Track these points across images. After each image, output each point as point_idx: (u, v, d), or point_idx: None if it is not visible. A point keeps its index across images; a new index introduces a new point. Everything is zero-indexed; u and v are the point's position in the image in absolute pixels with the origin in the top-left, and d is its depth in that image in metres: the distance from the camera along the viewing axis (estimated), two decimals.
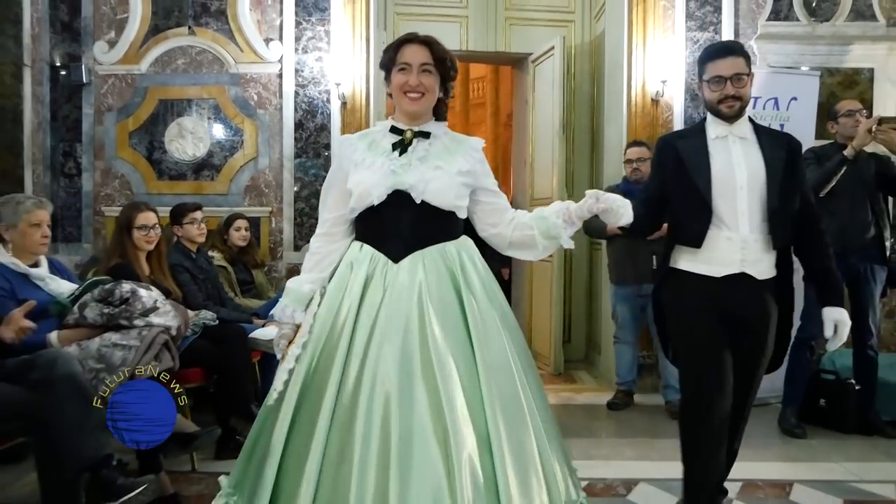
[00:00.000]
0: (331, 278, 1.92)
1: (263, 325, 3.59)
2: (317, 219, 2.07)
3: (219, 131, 4.78)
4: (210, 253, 4.04)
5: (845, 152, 3.47)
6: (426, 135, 1.94)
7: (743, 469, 3.15)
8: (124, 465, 2.38)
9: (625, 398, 4.33)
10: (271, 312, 1.90)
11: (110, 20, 4.77)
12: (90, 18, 4.77)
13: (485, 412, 1.69)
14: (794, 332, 2.49)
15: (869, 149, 3.57)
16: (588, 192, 1.93)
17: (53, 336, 2.62)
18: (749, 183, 2.27)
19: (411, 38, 1.92)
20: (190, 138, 4.78)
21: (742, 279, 2.28)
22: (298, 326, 1.90)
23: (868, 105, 4.58)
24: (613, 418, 4.14)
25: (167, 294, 3.11)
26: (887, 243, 3.67)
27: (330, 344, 1.79)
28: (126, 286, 2.73)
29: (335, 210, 1.97)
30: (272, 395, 1.82)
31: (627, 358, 4.32)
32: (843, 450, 3.51)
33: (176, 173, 4.80)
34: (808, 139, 4.03)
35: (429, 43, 1.91)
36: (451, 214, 1.91)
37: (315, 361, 1.79)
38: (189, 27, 4.74)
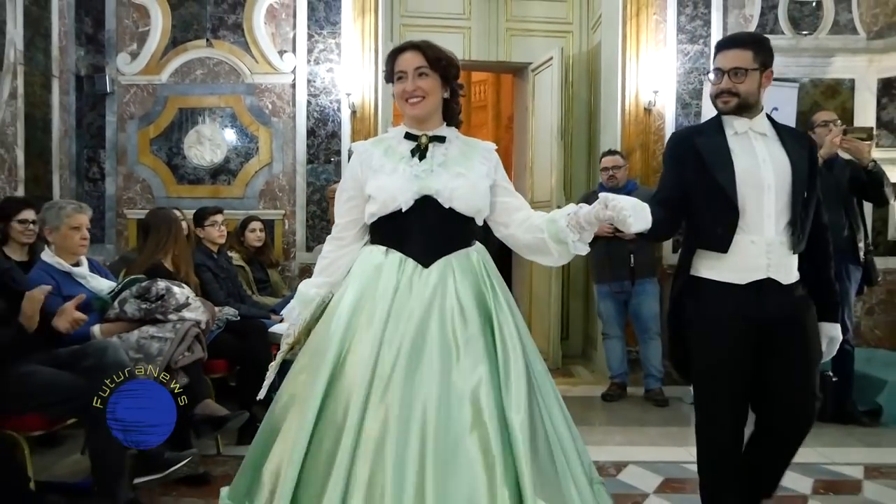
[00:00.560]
0: (339, 281, 1.95)
1: (281, 321, 3.86)
2: (328, 221, 2.31)
3: (235, 138, 5.06)
4: (229, 253, 4.32)
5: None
6: (441, 139, 1.96)
7: None
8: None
9: (618, 390, 4.61)
10: (283, 310, 1.97)
11: (132, 33, 5.05)
12: (113, 31, 5.05)
13: (506, 415, 1.70)
14: None
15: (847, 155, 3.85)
16: (601, 195, 1.84)
17: (96, 329, 2.90)
18: (776, 182, 2.13)
19: (404, 47, 1.95)
20: (208, 145, 5.06)
21: (768, 285, 2.14)
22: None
23: (849, 114, 4.86)
24: (607, 408, 4.41)
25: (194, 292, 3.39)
26: (860, 244, 3.93)
27: (361, 348, 1.76)
28: (161, 284, 3.01)
29: (348, 215, 1.99)
30: (259, 394, 1.96)
31: (617, 352, 4.60)
32: (819, 436, 3.75)
33: (194, 178, 5.07)
34: None
35: (420, 47, 1.92)
36: (471, 220, 1.95)
37: (341, 364, 1.77)
38: (207, 39, 5.02)
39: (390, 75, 1.96)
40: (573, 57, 5.91)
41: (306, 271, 4.95)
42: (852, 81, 4.92)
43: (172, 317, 2.96)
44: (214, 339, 3.42)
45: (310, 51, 4.99)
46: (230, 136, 5.06)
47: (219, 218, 4.05)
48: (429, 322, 1.76)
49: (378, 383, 1.70)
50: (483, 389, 1.70)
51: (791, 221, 2.15)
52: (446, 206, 1.87)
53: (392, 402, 1.66)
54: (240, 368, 3.57)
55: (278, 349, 3.89)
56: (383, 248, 1.91)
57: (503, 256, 4.14)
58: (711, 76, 2.22)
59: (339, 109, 4.98)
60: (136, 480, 2.41)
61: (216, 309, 3.54)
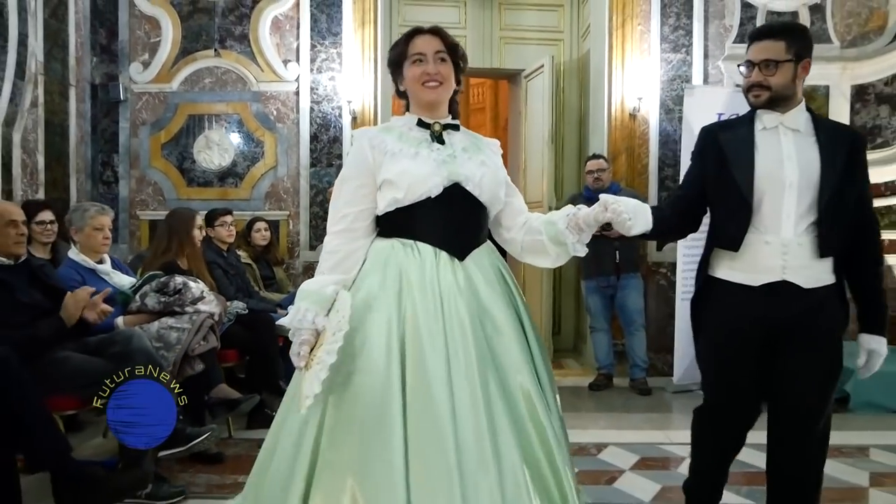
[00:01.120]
0: (353, 278, 1.80)
1: (287, 314, 4.14)
2: None
3: (242, 143, 5.33)
4: (238, 252, 4.59)
5: None
6: (455, 127, 1.89)
7: (688, 434, 3.72)
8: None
9: (604, 380, 4.87)
10: (290, 318, 1.78)
11: (144, 43, 5.32)
12: (126, 42, 5.33)
13: (548, 410, 1.74)
14: None
15: None
16: (602, 196, 1.80)
17: (120, 320, 3.17)
18: (800, 180, 2.00)
19: (420, 30, 1.87)
20: (216, 149, 5.33)
21: (785, 288, 2.02)
22: (318, 332, 1.72)
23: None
24: (594, 397, 4.68)
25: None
26: None
27: (419, 361, 1.66)
28: (179, 279, 3.28)
29: (357, 204, 1.82)
30: (305, 402, 1.64)
31: (603, 344, 4.87)
32: None
33: (203, 181, 5.34)
34: None
35: (439, 32, 1.87)
36: (488, 215, 1.90)
37: (404, 380, 1.65)
38: (215, 50, 5.29)
39: (400, 58, 1.85)
40: (564, 64, 6.18)
41: (310, 269, 5.22)
42: (827, 88, 5.18)
43: (189, 309, 3.23)
44: (225, 331, 3.69)
45: (312, 60, 5.26)
46: (237, 140, 5.33)
47: (228, 219, 4.32)
48: (478, 323, 1.72)
49: (419, 390, 1.63)
50: (530, 392, 1.71)
51: (816, 222, 2.01)
52: (475, 194, 1.80)
53: (440, 404, 1.61)
54: (249, 358, 3.84)
55: (285, 340, 4.18)
56: (409, 241, 1.79)
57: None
58: (743, 69, 2.10)
59: (340, 116, 5.25)
60: (161, 453, 2.68)
61: (226, 303, 3.82)
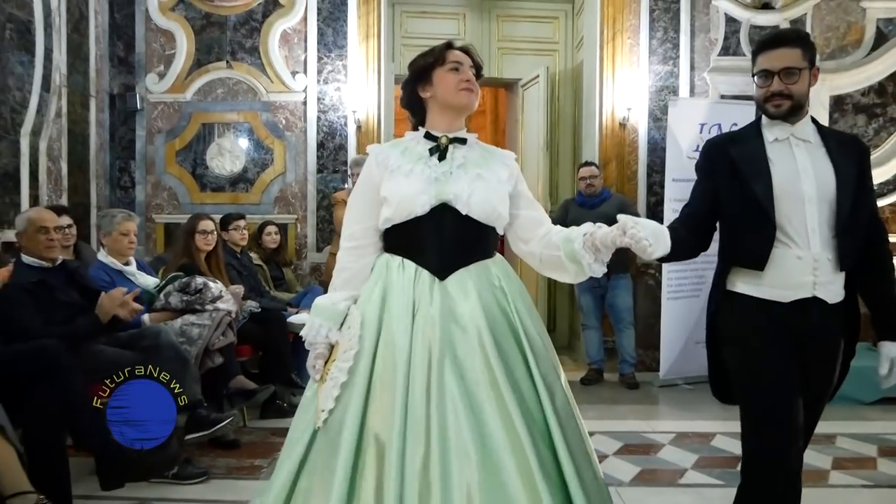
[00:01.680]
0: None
1: (297, 313, 4.43)
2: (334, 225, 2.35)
3: (252, 150, 5.62)
4: (250, 253, 4.88)
5: None
6: (462, 141, 1.90)
7: (677, 425, 4.02)
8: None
9: (595, 375, 5.16)
10: (302, 333, 1.89)
11: (160, 55, 5.61)
12: (143, 54, 5.61)
13: (548, 425, 1.70)
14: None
15: None
16: (620, 217, 1.73)
17: (146, 317, 3.46)
18: (818, 193, 1.95)
19: (453, 45, 1.94)
20: (228, 156, 5.62)
21: (813, 304, 1.97)
22: (332, 346, 1.82)
23: None
24: (585, 391, 4.96)
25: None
26: None
27: (385, 368, 1.72)
28: (199, 279, 3.57)
29: (363, 221, 1.89)
30: (321, 416, 1.72)
31: (594, 341, 5.15)
32: None
33: (216, 186, 5.63)
34: None
35: (473, 54, 1.94)
36: (492, 230, 1.89)
37: (369, 386, 1.72)
38: (227, 62, 5.58)
39: (435, 64, 1.89)
40: (559, 74, 6.46)
41: (316, 269, 5.53)
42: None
43: (209, 307, 3.52)
44: (240, 328, 3.98)
45: (319, 72, 5.54)
46: (248, 148, 5.62)
47: (241, 223, 4.61)
48: (448, 341, 1.72)
49: (413, 406, 1.66)
50: (508, 415, 1.66)
51: (836, 236, 1.96)
52: (464, 212, 1.81)
53: (433, 421, 1.64)
54: (262, 353, 4.14)
55: (295, 336, 4.47)
56: (398, 259, 1.85)
57: None
58: (757, 79, 2.01)
59: (345, 124, 5.54)
60: (188, 437, 2.97)
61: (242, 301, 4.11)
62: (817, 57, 2.07)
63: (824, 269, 1.96)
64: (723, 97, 5.40)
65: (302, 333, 1.87)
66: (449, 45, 1.92)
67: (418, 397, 1.66)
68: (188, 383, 2.99)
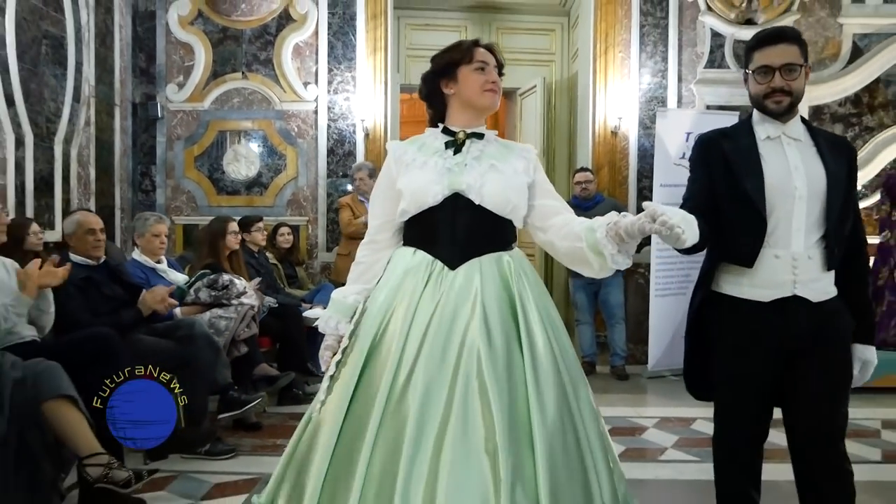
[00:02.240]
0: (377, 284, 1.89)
1: (311, 308, 4.79)
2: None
3: (266, 156, 5.98)
4: (266, 253, 5.24)
5: None
6: (479, 136, 1.90)
7: (661, 411, 4.38)
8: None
9: (588, 367, 5.50)
10: (319, 322, 1.94)
11: (179, 67, 5.97)
12: (163, 65, 5.97)
13: (531, 424, 1.63)
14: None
15: None
16: (646, 205, 1.64)
17: (178, 311, 3.81)
18: (809, 192, 1.94)
19: (478, 43, 1.95)
20: (243, 161, 5.97)
21: (795, 303, 1.95)
22: (341, 337, 1.86)
23: None
24: None
25: None
26: None
27: (379, 354, 1.74)
28: (226, 277, 3.93)
29: (381, 216, 1.93)
30: (315, 406, 1.79)
31: (588, 335, 5.51)
32: None
33: (232, 189, 5.99)
34: None
35: (497, 53, 1.96)
36: (508, 223, 1.88)
37: (362, 372, 1.74)
38: (243, 73, 5.93)
39: (461, 61, 1.89)
40: (555, 84, 6.83)
41: (327, 268, 5.88)
42: None
43: (234, 302, 3.88)
44: (260, 321, 4.33)
45: (329, 82, 5.90)
46: (262, 154, 5.97)
47: (260, 225, 4.97)
48: (452, 329, 1.70)
49: (394, 393, 1.66)
50: (503, 397, 1.64)
51: (824, 235, 1.96)
52: (476, 202, 1.81)
53: (410, 408, 1.63)
54: (280, 345, 4.50)
55: (309, 329, 4.82)
56: (412, 250, 1.87)
57: None
58: (756, 75, 1.98)
59: (354, 132, 5.89)
60: (221, 416, 3.33)
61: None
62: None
63: (805, 268, 1.95)
64: (708, 107, 5.76)
65: (310, 313, 2.04)
66: (476, 43, 1.94)
67: (397, 394, 1.66)
68: (220, 369, 3.35)
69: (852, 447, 2.25)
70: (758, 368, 1.98)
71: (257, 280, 4.25)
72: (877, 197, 5.49)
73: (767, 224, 1.95)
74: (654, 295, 5.33)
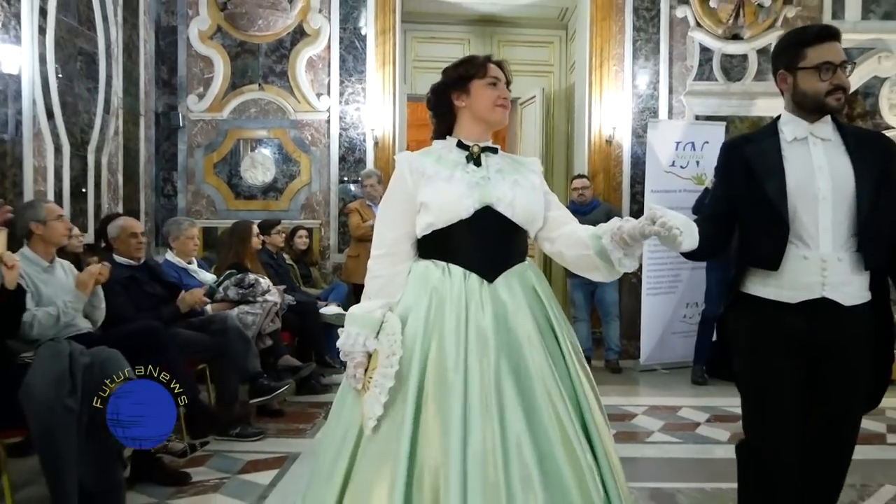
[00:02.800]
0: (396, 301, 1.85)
1: (326, 305, 5.16)
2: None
3: (281, 163, 6.35)
4: (283, 254, 5.61)
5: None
6: (493, 150, 1.93)
7: (650, 400, 4.75)
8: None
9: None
10: (338, 344, 1.84)
11: (199, 78, 6.34)
12: (184, 77, 6.34)
13: (587, 426, 1.75)
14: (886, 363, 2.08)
15: None
16: (651, 206, 1.70)
17: (209, 307, 4.17)
18: (834, 192, 1.91)
19: (490, 59, 1.97)
20: (260, 168, 6.34)
21: (824, 305, 1.92)
22: (370, 354, 1.79)
23: None
24: None
25: None
26: None
27: (437, 385, 1.69)
28: (252, 276, 4.29)
29: (398, 228, 1.89)
30: (369, 423, 1.70)
31: (584, 332, 5.86)
32: (730, 389, 5.03)
33: (249, 194, 6.36)
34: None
35: (506, 70, 1.97)
36: (524, 233, 1.91)
37: (421, 390, 1.70)
38: (259, 84, 6.30)
39: (471, 76, 1.91)
40: (553, 94, 7.20)
41: (338, 269, 6.24)
42: (771, 118, 6.16)
43: (259, 299, 4.24)
44: (281, 317, 4.70)
45: (341, 94, 6.27)
46: (277, 161, 6.34)
47: (280, 228, 5.35)
48: (504, 353, 1.72)
49: (472, 410, 1.66)
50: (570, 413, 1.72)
51: (856, 235, 1.92)
52: (507, 215, 1.84)
53: (487, 428, 1.65)
54: (299, 339, 4.87)
55: (328, 325, 5.18)
56: (441, 265, 1.85)
57: None
58: (812, 72, 1.93)
59: (364, 140, 6.27)
60: (253, 400, 3.70)
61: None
62: None
63: (835, 270, 1.91)
64: (697, 117, 6.13)
65: (339, 344, 1.85)
66: (486, 60, 1.96)
67: (476, 422, 1.64)
68: (250, 359, 3.72)
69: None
70: (784, 367, 1.95)
71: (282, 287, 4.61)
72: None
73: (790, 226, 1.93)
74: (645, 294, 5.70)
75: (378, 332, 1.79)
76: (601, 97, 6.20)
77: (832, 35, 1.96)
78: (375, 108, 6.22)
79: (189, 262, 4.38)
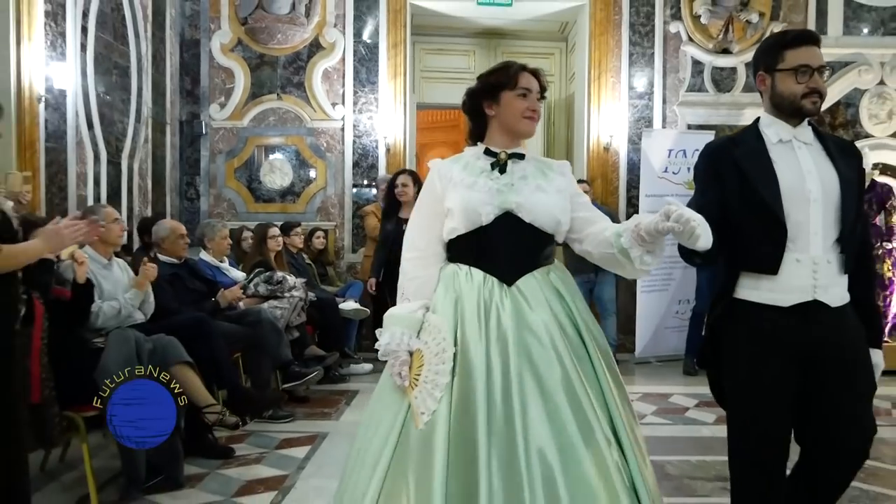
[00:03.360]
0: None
1: (344, 301, 5.56)
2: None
3: (298, 168, 6.74)
4: (302, 254, 6.00)
5: None
6: (520, 156, 1.96)
7: (644, 388, 5.15)
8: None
9: None
10: (377, 345, 1.92)
11: (221, 88, 6.72)
12: (207, 87, 6.72)
13: (614, 424, 1.78)
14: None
15: None
16: (668, 201, 1.67)
17: (241, 303, 4.57)
18: (823, 195, 1.92)
19: (525, 68, 1.97)
20: (278, 173, 6.74)
21: (815, 308, 1.92)
22: (412, 353, 1.85)
23: None
24: None
25: None
26: None
27: (461, 379, 1.76)
28: (279, 273, 4.69)
29: (429, 231, 1.96)
30: (421, 418, 1.75)
31: None
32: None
33: (268, 198, 6.75)
34: None
35: (541, 77, 1.98)
36: (551, 238, 1.94)
37: (452, 394, 1.76)
38: (278, 94, 6.69)
39: (503, 85, 1.93)
40: (554, 102, 7.59)
41: (352, 268, 6.64)
42: None
43: (287, 294, 4.64)
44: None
45: (355, 103, 6.66)
46: (295, 166, 6.73)
47: (298, 230, 5.75)
48: (524, 351, 1.77)
49: (493, 411, 1.72)
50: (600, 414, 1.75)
51: (839, 238, 1.94)
52: (528, 220, 1.87)
53: (510, 431, 1.69)
54: (320, 332, 5.27)
55: (346, 320, 5.56)
56: (465, 268, 1.91)
57: None
58: (789, 74, 1.93)
59: (376, 147, 6.66)
60: (284, 385, 4.10)
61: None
62: None
63: (825, 272, 1.92)
64: (689, 126, 6.54)
65: (378, 345, 1.92)
66: (523, 68, 1.97)
67: (499, 412, 1.71)
68: (282, 348, 4.12)
69: None
70: (776, 374, 1.93)
71: (303, 280, 5.01)
72: None
73: (786, 229, 1.92)
74: (640, 291, 6.10)
75: (419, 332, 1.87)
76: (599, 106, 6.60)
77: (811, 39, 1.98)
78: (387, 117, 6.61)
79: (221, 261, 4.77)
